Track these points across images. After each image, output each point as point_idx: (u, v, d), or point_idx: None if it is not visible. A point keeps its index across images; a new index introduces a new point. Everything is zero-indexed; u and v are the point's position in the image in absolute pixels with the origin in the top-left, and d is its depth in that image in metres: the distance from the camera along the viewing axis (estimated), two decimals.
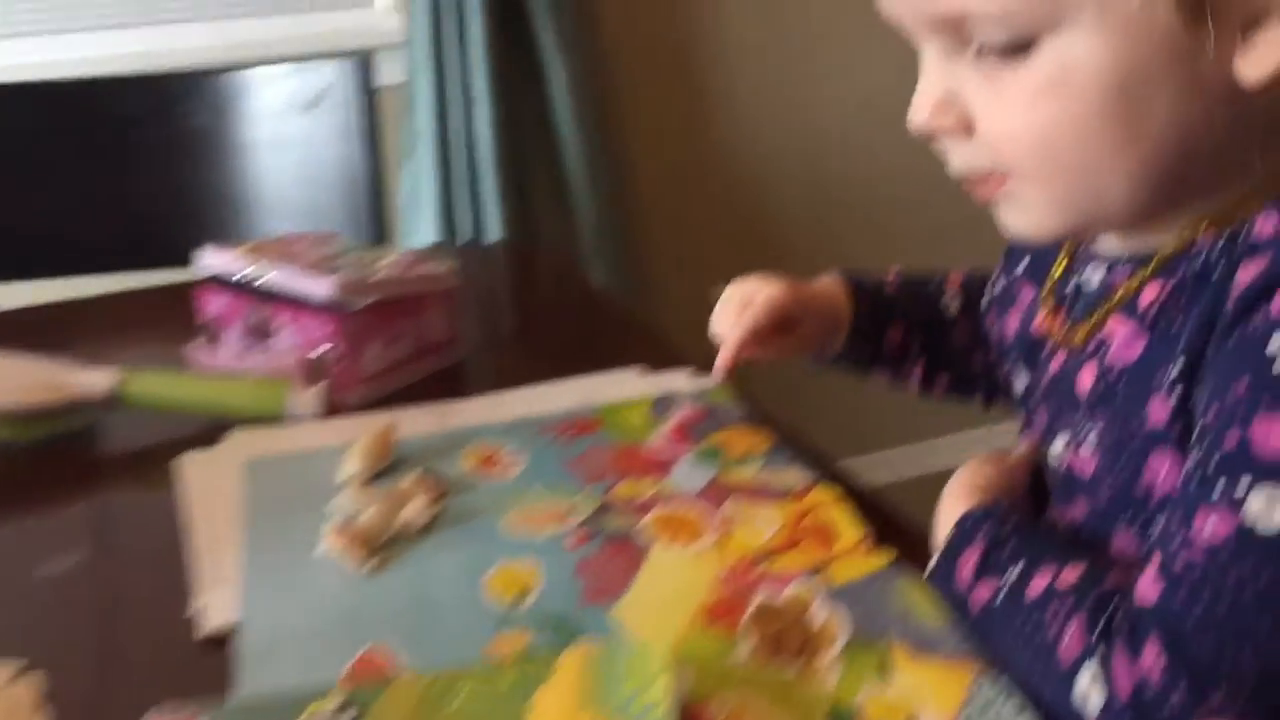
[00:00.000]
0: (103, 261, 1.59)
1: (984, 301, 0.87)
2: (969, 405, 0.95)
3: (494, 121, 1.96)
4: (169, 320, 1.21)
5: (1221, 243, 0.62)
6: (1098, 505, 0.67)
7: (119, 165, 1.59)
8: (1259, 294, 0.57)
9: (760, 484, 0.89)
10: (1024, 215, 0.66)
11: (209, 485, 0.92)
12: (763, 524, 0.83)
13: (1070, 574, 0.63)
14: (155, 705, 0.67)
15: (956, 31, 0.61)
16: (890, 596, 0.74)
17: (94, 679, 0.73)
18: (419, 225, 2.01)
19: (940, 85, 0.64)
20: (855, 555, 0.79)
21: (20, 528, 0.92)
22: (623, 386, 1.06)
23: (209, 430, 1.00)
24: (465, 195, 2.00)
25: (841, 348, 0.93)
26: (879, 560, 0.78)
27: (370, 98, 1.57)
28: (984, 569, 0.67)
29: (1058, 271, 0.76)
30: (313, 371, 1.05)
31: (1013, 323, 0.81)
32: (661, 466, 0.92)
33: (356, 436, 0.94)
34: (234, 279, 1.10)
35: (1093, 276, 0.71)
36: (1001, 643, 0.65)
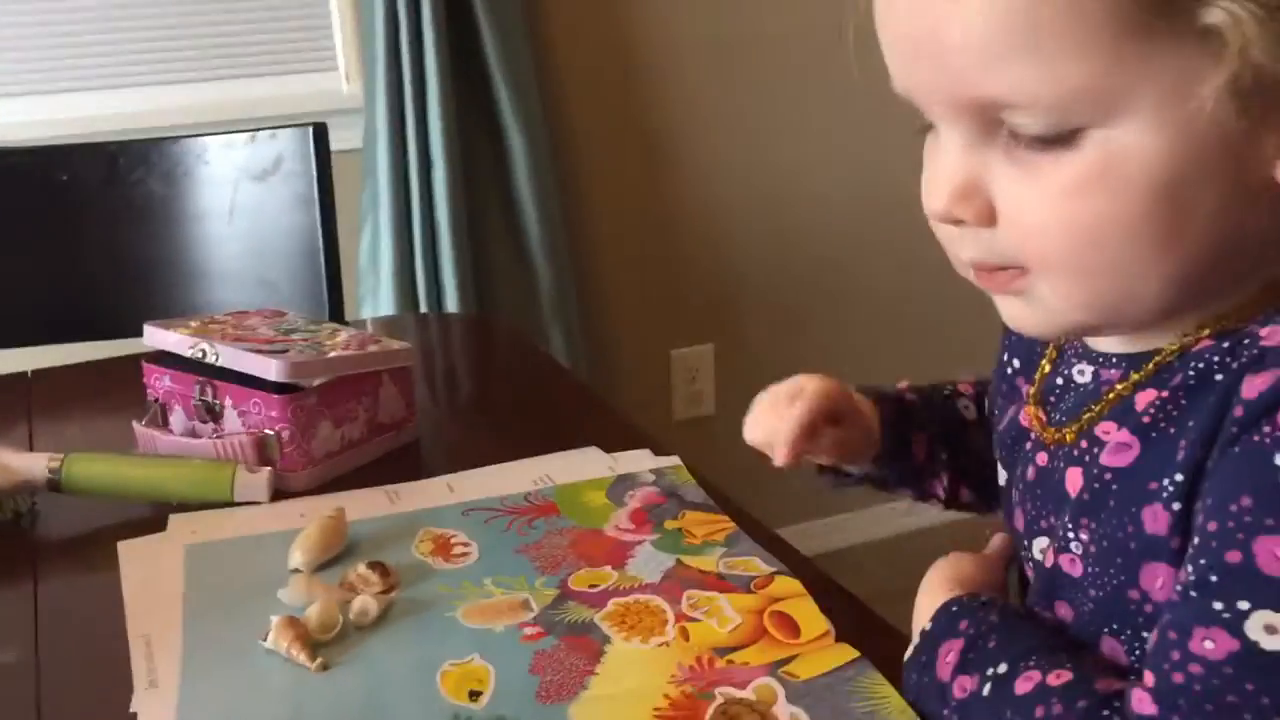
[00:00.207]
0: (50, 332, 1.56)
1: (987, 402, 0.85)
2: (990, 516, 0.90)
3: (451, 185, 1.95)
4: (116, 393, 1.19)
5: (1225, 347, 0.59)
6: (1083, 608, 0.65)
7: (67, 233, 1.56)
8: (1267, 407, 0.54)
9: (721, 573, 0.87)
10: (1036, 311, 0.62)
11: (149, 574, 0.89)
12: (724, 616, 0.81)
13: (1062, 674, 0.61)
14: None
15: (988, 116, 0.57)
16: (856, 693, 0.72)
17: None
18: (377, 292, 1.99)
19: (962, 171, 0.59)
20: (819, 649, 0.77)
21: None
22: (580, 467, 1.04)
23: (152, 515, 0.97)
24: (424, 261, 1.98)
25: (875, 458, 0.88)
26: (844, 655, 0.76)
27: (327, 165, 1.55)
28: (966, 662, 0.65)
29: (1047, 366, 0.73)
30: (262, 453, 1.02)
31: (1005, 417, 0.78)
32: (620, 553, 0.90)
33: (305, 522, 0.92)
34: (182, 356, 1.07)
35: (1081, 374, 0.69)
36: None
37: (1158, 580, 0.60)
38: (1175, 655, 0.55)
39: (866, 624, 0.80)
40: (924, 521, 2.06)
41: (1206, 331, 0.61)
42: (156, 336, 1.09)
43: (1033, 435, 0.71)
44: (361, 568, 0.87)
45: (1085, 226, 0.56)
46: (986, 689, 0.63)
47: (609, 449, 1.07)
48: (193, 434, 1.08)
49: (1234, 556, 0.54)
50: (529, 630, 0.81)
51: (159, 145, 1.58)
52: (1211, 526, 0.55)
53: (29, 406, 1.25)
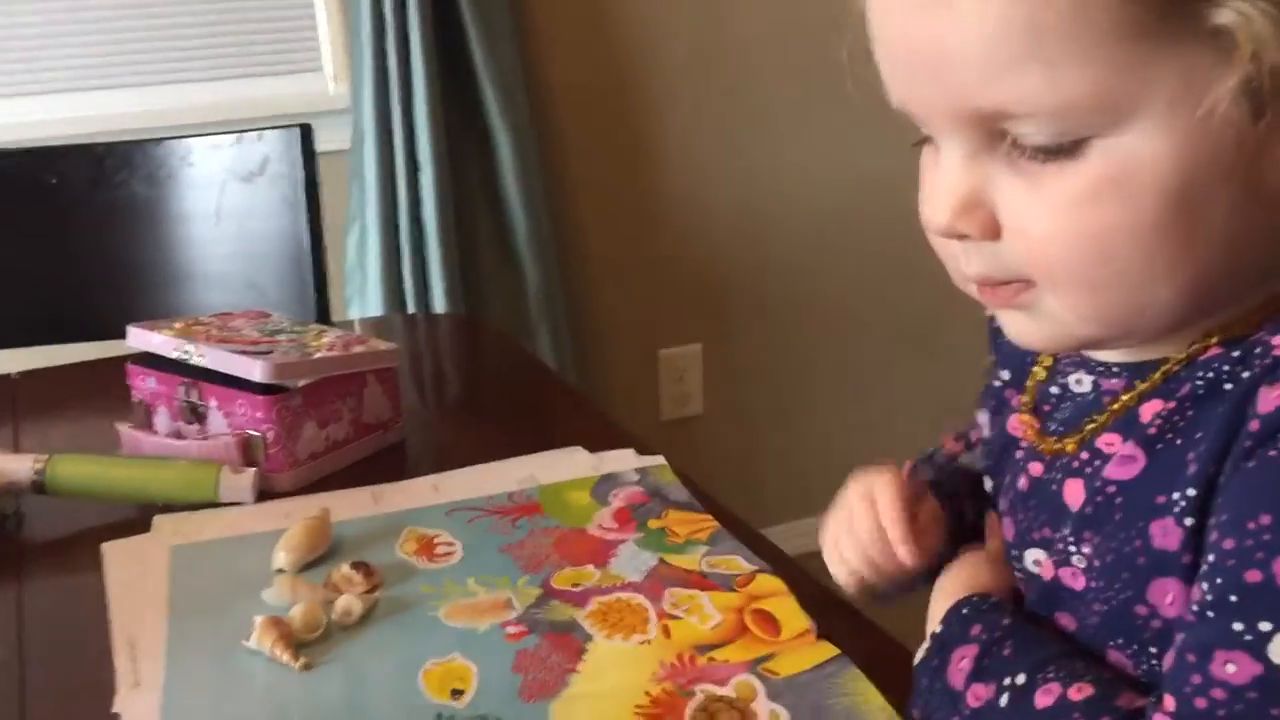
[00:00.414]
0: (35, 333, 1.55)
1: (976, 415, 0.83)
2: None
3: (438, 186, 1.95)
4: (101, 394, 1.19)
5: (1235, 356, 0.57)
6: (1087, 621, 0.63)
7: (52, 235, 1.56)
8: None
9: (703, 571, 0.87)
10: (1043, 326, 0.60)
11: (134, 575, 0.89)
12: (705, 614, 0.82)
13: (1083, 688, 0.60)
14: None
15: (990, 127, 0.55)
16: (836, 690, 0.73)
17: None
18: (364, 293, 1.99)
19: (965, 183, 0.57)
20: (800, 647, 0.78)
21: None
22: (565, 467, 1.04)
23: (137, 516, 0.97)
24: (411, 262, 1.98)
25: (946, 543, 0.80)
26: (824, 652, 0.77)
27: (313, 167, 1.56)
28: (981, 670, 0.64)
29: (1041, 373, 0.70)
30: (246, 454, 1.03)
31: (994, 426, 0.75)
32: (603, 552, 0.90)
33: (290, 522, 0.92)
34: (166, 358, 1.07)
35: (1079, 383, 0.67)
36: None
37: (1167, 595, 0.58)
38: (1196, 679, 0.54)
39: (847, 622, 0.80)
40: None
41: (1214, 340, 0.58)
42: (141, 338, 1.09)
43: (1024, 444, 0.69)
44: (345, 568, 0.87)
45: (1094, 237, 0.54)
46: (1004, 700, 0.62)
47: (594, 449, 1.07)
48: (178, 435, 1.08)
49: (1254, 576, 0.52)
50: (512, 629, 0.81)
51: (145, 147, 1.58)
52: (1228, 544, 0.53)
53: (14, 408, 1.25)
